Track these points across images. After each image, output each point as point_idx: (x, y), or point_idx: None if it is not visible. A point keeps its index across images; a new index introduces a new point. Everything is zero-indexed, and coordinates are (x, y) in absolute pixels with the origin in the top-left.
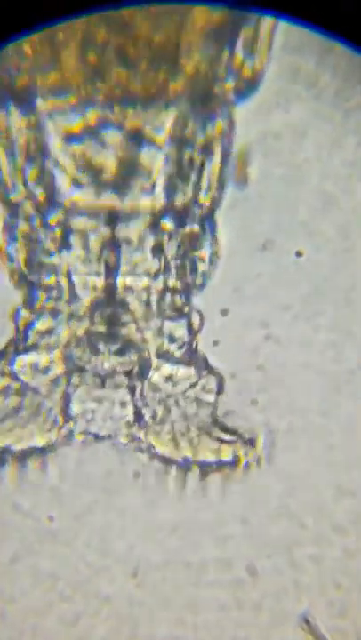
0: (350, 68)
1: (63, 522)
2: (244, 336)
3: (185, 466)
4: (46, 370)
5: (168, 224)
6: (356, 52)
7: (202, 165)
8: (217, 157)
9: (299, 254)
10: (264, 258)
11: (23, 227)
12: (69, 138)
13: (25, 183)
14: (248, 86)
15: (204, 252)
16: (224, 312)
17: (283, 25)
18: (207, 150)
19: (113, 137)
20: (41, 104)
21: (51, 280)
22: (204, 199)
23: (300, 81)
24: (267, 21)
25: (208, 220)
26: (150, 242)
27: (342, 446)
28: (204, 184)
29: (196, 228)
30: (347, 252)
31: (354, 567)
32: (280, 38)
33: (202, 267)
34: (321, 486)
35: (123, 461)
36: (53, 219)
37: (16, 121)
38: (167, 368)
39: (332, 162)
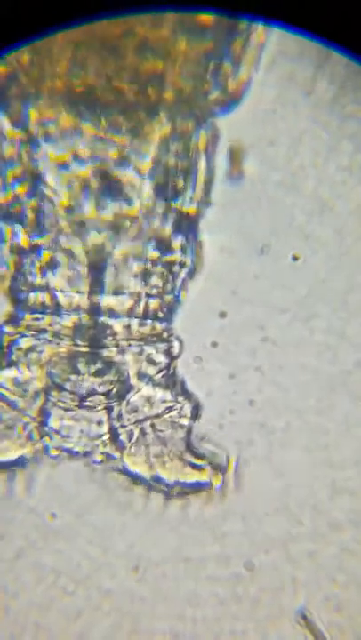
0: (347, 76)
1: (65, 519)
2: (242, 338)
3: (154, 486)
4: (26, 385)
5: (153, 251)
6: (352, 59)
7: (186, 177)
8: (201, 168)
9: (295, 258)
10: (262, 261)
11: (12, 239)
12: (60, 165)
13: (13, 192)
14: (232, 99)
15: (186, 260)
16: (223, 314)
17: (280, 32)
18: (191, 163)
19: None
20: (34, 121)
21: (36, 297)
22: (189, 208)
23: (297, 88)
24: (257, 33)
25: (192, 230)
26: (135, 266)
27: (338, 445)
28: (188, 194)
29: (178, 256)
30: (342, 255)
31: (350, 563)
32: (277, 45)
33: (181, 276)
34: (317, 484)
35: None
36: (41, 239)
37: (7, 131)
38: (146, 390)
39: (327, 167)
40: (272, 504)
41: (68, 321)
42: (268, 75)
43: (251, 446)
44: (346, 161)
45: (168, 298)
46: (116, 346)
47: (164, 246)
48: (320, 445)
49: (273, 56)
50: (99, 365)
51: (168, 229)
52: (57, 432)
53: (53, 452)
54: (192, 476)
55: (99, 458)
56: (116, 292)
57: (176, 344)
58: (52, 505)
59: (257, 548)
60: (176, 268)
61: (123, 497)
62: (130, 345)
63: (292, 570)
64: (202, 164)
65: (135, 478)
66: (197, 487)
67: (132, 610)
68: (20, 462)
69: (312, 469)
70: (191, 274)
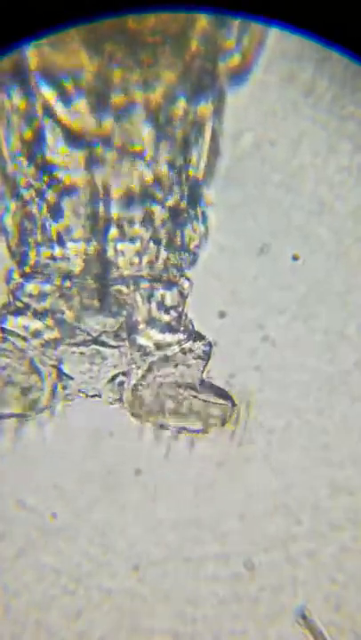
0: (347, 76)
1: (66, 518)
2: (242, 338)
3: (169, 427)
4: (37, 332)
5: (158, 193)
6: (352, 59)
7: (191, 141)
8: (207, 134)
9: (295, 258)
10: (261, 261)
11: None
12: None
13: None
14: (240, 72)
15: (195, 225)
16: (222, 314)
17: (280, 32)
18: (198, 128)
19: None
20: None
21: (42, 244)
22: (194, 173)
23: (297, 88)
24: (257, 33)
25: (197, 195)
26: (140, 210)
27: (337, 444)
28: (194, 159)
29: (183, 203)
30: (341, 255)
31: (349, 563)
32: (277, 46)
33: (193, 240)
34: (317, 483)
35: (124, 460)
36: (47, 190)
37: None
38: (155, 332)
39: (327, 168)
40: (271, 503)
41: (76, 261)
42: (268, 76)
43: (251, 445)
44: (346, 161)
45: (180, 253)
46: (126, 285)
47: (170, 191)
48: (320, 445)
49: (273, 56)
50: (109, 307)
51: (174, 174)
52: (70, 377)
53: (68, 397)
54: (203, 418)
55: (111, 400)
56: (123, 235)
57: (186, 283)
58: (53, 505)
59: (256, 547)
60: (183, 216)
61: (124, 495)
62: (139, 286)
63: (291, 569)
64: (207, 132)
65: (145, 421)
66: (213, 426)
67: (132, 609)
68: (33, 410)
69: (312, 469)
70: (203, 234)
